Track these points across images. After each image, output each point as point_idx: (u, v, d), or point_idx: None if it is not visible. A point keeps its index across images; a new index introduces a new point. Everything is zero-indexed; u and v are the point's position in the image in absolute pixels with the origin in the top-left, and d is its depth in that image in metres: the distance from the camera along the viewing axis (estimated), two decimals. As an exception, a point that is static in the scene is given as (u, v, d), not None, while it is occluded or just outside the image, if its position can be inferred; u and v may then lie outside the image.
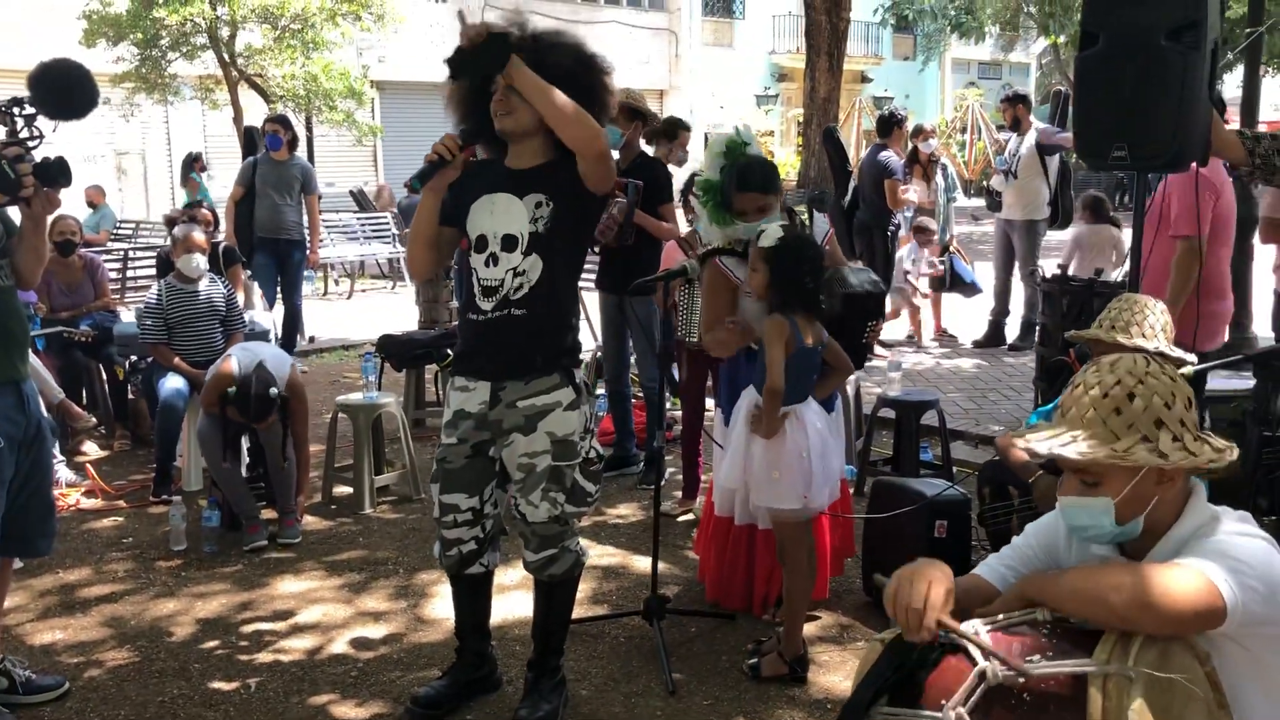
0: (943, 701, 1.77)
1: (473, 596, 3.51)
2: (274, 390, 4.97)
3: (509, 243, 3.18)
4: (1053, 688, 1.73)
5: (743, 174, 3.67)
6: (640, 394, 6.12)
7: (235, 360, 5.09)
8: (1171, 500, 1.94)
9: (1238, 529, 1.88)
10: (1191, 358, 3.13)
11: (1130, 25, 3.76)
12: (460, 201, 3.28)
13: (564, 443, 3.24)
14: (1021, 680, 1.74)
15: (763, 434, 3.45)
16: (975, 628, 1.86)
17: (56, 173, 3.25)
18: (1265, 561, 1.81)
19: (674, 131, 6.31)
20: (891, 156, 8.62)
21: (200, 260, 5.91)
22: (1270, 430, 2.83)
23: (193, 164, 14.26)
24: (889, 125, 8.85)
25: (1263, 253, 6.47)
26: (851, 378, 5.99)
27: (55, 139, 3.36)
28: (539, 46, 3.17)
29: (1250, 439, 2.75)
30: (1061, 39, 23.80)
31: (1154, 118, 3.74)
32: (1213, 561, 1.80)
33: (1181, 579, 1.78)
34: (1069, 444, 1.93)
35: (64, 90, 3.30)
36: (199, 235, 5.99)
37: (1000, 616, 1.90)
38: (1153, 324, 3.14)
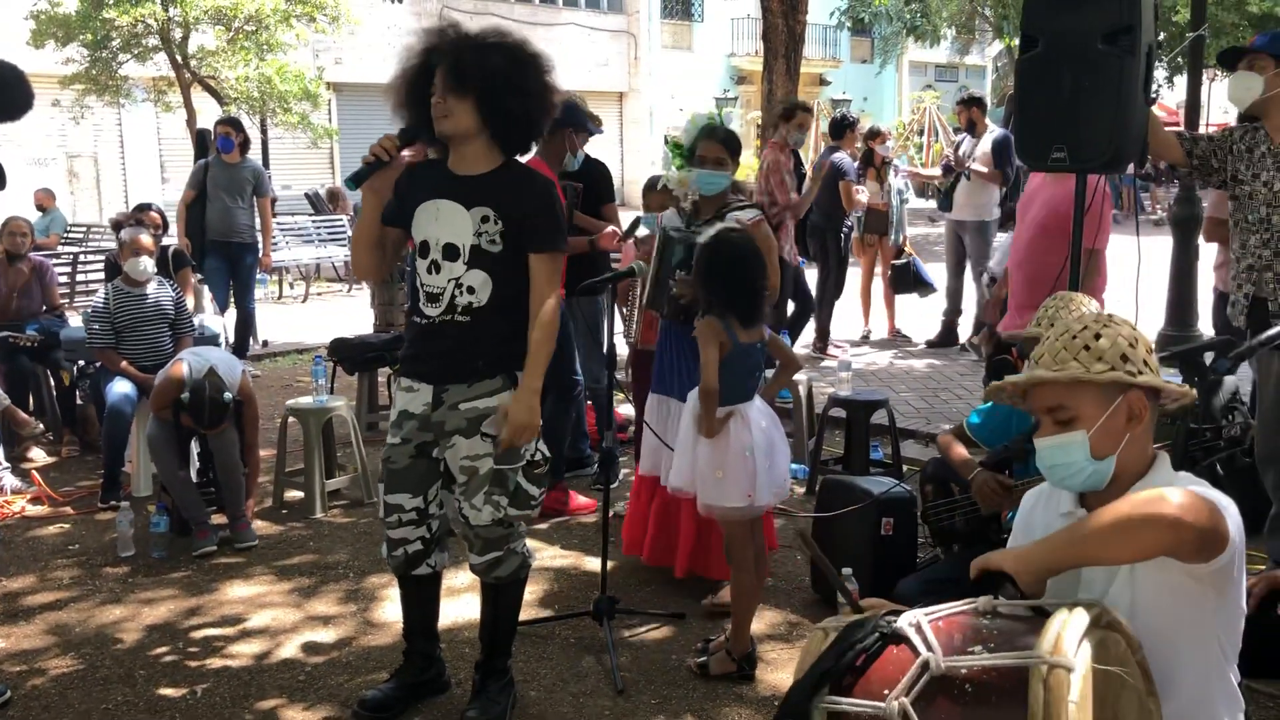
0: (885, 691, 1.78)
1: (420, 598, 3.50)
2: (227, 395, 4.94)
3: (450, 252, 3.17)
4: (995, 678, 1.75)
5: (711, 128, 4.28)
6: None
7: (186, 364, 5.04)
8: (1139, 448, 2.01)
9: (1204, 487, 1.95)
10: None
11: (1068, 29, 3.83)
12: (405, 204, 3.26)
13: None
14: (964, 670, 1.76)
15: (703, 434, 3.48)
16: (916, 618, 1.87)
17: (-12, 175, 3.21)
18: (1234, 510, 1.88)
19: (792, 112, 7.08)
20: (845, 158, 8.70)
21: (148, 263, 5.84)
22: (1196, 423, 2.91)
23: None
24: (841, 128, 8.96)
25: (1206, 250, 6.59)
26: (803, 377, 6.06)
27: (5, 142, 3.33)
28: (476, 48, 3.13)
29: (1178, 432, 2.82)
30: (1016, 42, 24.06)
31: (1092, 120, 3.81)
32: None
33: (1197, 498, 1.81)
34: (1042, 373, 2.02)
35: None
36: (146, 238, 5.93)
37: (941, 606, 1.92)
38: (1087, 321, 3.19)
